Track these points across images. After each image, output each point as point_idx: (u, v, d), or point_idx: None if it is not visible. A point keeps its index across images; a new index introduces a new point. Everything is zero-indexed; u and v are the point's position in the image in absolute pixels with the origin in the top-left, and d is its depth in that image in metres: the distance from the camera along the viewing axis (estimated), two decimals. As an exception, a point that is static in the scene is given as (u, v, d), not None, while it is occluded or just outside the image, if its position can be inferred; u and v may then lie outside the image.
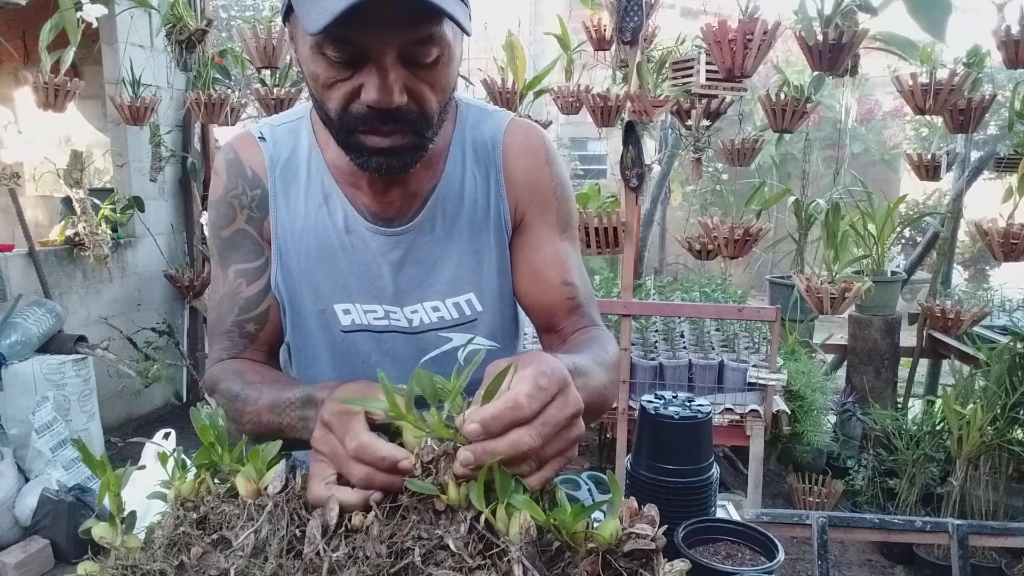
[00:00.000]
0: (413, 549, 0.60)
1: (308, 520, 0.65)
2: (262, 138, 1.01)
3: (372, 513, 0.63)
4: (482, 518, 0.60)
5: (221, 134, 4.66)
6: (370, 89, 0.78)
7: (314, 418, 0.77)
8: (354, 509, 0.64)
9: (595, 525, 0.64)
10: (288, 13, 0.82)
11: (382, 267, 0.98)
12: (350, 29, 0.73)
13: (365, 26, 0.74)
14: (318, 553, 0.62)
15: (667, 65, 3.20)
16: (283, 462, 0.70)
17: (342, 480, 0.67)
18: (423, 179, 0.98)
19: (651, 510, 0.67)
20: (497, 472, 0.59)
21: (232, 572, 0.61)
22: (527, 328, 1.15)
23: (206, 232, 1.11)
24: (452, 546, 0.59)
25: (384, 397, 0.64)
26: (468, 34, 0.80)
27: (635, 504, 0.67)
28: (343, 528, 0.64)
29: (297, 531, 0.65)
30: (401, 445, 0.65)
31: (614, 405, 2.75)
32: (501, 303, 1.03)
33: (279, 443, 0.74)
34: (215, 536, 0.65)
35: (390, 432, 0.68)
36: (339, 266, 0.99)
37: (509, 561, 0.58)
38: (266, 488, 0.68)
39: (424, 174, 0.98)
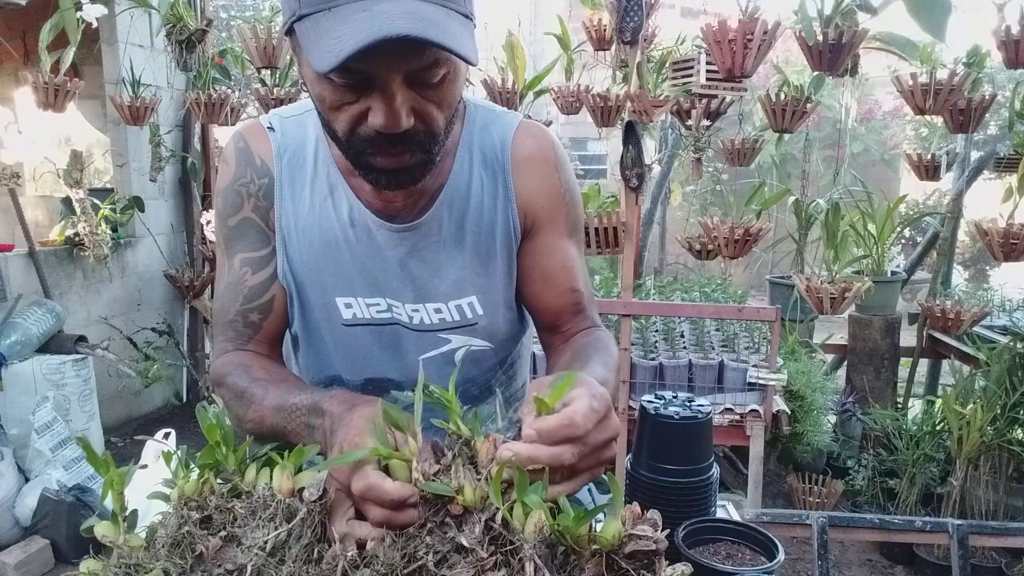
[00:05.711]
0: (426, 555, 0.61)
1: (330, 540, 0.67)
2: (271, 128, 1.00)
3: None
4: (498, 516, 0.61)
5: (221, 134, 4.65)
6: (377, 114, 0.77)
7: (319, 427, 0.77)
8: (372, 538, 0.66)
9: (597, 527, 0.65)
10: (292, 29, 0.79)
11: (388, 260, 0.98)
12: (356, 62, 0.72)
13: (371, 58, 0.72)
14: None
15: (667, 65, 3.20)
16: (325, 472, 0.70)
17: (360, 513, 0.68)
18: (429, 178, 0.97)
19: (653, 514, 0.68)
20: (517, 472, 0.61)
21: (249, 569, 0.62)
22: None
23: (212, 221, 1.10)
24: (466, 543, 0.60)
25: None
26: (474, 64, 0.76)
27: (638, 509, 0.68)
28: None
29: (316, 553, 0.65)
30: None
31: (615, 406, 2.75)
32: (504, 307, 1.04)
33: (316, 447, 0.75)
34: (222, 534, 0.65)
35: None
36: (342, 259, 0.99)
37: (521, 559, 0.59)
38: (301, 491, 0.68)
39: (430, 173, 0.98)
